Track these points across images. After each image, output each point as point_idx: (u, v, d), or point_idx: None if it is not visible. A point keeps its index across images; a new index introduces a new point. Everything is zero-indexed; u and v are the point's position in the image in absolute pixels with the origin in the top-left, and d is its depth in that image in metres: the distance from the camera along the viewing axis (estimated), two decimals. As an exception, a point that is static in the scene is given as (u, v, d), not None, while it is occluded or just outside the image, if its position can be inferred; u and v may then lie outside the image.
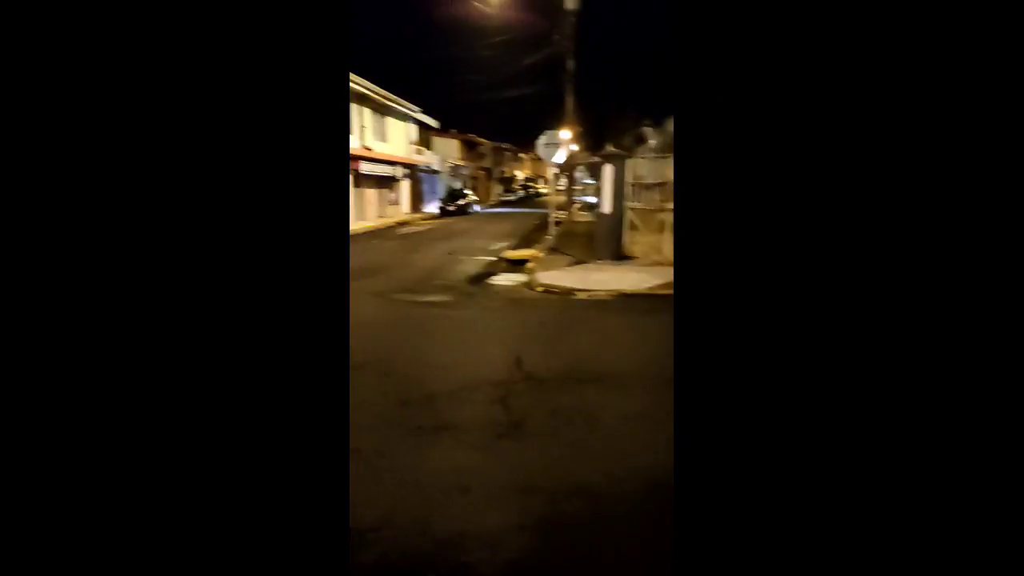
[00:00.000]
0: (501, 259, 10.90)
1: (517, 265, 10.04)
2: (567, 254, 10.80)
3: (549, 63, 16.09)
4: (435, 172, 29.54)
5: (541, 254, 11.02)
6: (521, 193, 45.56)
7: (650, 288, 7.52)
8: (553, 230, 12.59)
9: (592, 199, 23.00)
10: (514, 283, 8.40)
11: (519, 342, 5.04)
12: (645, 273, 8.47)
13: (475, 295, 7.46)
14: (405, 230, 18.25)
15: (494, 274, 9.19)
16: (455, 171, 32.70)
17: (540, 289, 7.79)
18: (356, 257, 11.19)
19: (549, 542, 2.20)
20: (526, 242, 13.74)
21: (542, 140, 12.07)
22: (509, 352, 4.66)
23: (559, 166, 14.04)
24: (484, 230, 17.33)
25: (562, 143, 12.07)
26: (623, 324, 5.90)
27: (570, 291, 7.54)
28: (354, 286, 7.91)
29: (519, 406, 3.53)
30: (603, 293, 7.35)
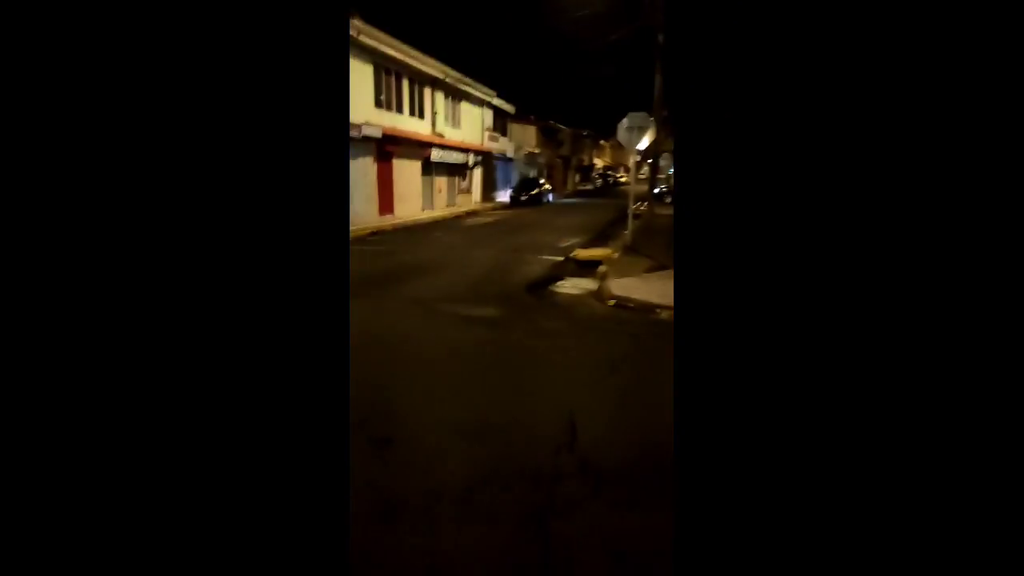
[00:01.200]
0: (569, 259, 9.53)
1: (587, 267, 8.64)
2: (646, 255, 9.26)
3: (637, 38, 14.34)
4: (509, 159, 28.35)
5: (616, 254, 9.55)
6: (599, 182, 43.50)
7: (754, 308, 5.92)
8: (631, 225, 11.03)
9: (657, 189, 20.95)
10: (581, 292, 7.03)
11: (576, 392, 3.72)
12: (745, 286, 6.82)
13: (531, 309, 6.16)
14: (472, 221, 17.20)
15: (559, 278, 7.85)
16: (531, 159, 31.36)
17: (611, 302, 6.37)
18: (412, 252, 10.22)
19: None
20: (600, 238, 12.27)
21: (623, 124, 10.47)
22: (559, 410, 3.36)
23: (641, 153, 12.37)
24: (555, 223, 15.91)
25: (646, 127, 10.43)
26: (721, 364, 4.39)
27: (649, 307, 6.08)
28: (397, 290, 6.87)
29: (564, 536, 2.22)
30: (692, 313, 5.83)
